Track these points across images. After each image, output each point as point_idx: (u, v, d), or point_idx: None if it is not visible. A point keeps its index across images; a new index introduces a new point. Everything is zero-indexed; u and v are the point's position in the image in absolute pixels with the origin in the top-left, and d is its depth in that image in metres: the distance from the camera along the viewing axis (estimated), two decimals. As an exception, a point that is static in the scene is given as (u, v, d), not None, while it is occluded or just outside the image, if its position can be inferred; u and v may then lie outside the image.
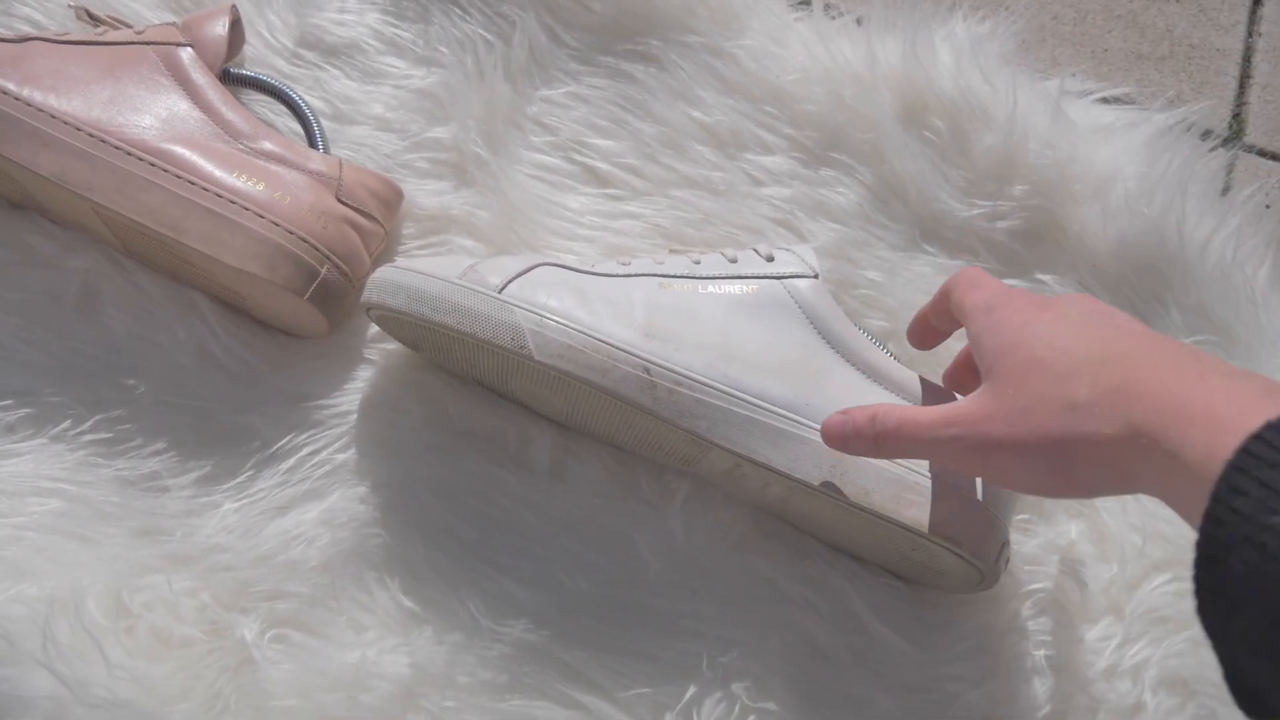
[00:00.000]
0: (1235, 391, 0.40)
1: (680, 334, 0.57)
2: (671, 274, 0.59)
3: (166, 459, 0.64)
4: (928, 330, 0.59)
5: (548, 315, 0.56)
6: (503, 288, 0.57)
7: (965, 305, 0.53)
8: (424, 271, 0.58)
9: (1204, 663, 0.62)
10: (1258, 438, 0.36)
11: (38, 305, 0.65)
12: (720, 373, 0.57)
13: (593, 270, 0.59)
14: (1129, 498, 0.65)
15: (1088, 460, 0.43)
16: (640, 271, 0.59)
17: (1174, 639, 0.62)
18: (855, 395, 0.57)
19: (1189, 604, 0.62)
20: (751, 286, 0.57)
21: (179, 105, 0.63)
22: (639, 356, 0.56)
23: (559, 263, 0.59)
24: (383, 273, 0.58)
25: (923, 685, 0.62)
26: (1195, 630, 0.63)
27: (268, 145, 0.63)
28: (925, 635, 0.63)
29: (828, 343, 0.57)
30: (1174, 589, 0.63)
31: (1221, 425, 0.38)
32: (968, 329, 0.52)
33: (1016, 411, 0.46)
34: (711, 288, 0.58)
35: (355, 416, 0.65)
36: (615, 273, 0.59)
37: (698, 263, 0.59)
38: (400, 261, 0.60)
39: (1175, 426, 0.40)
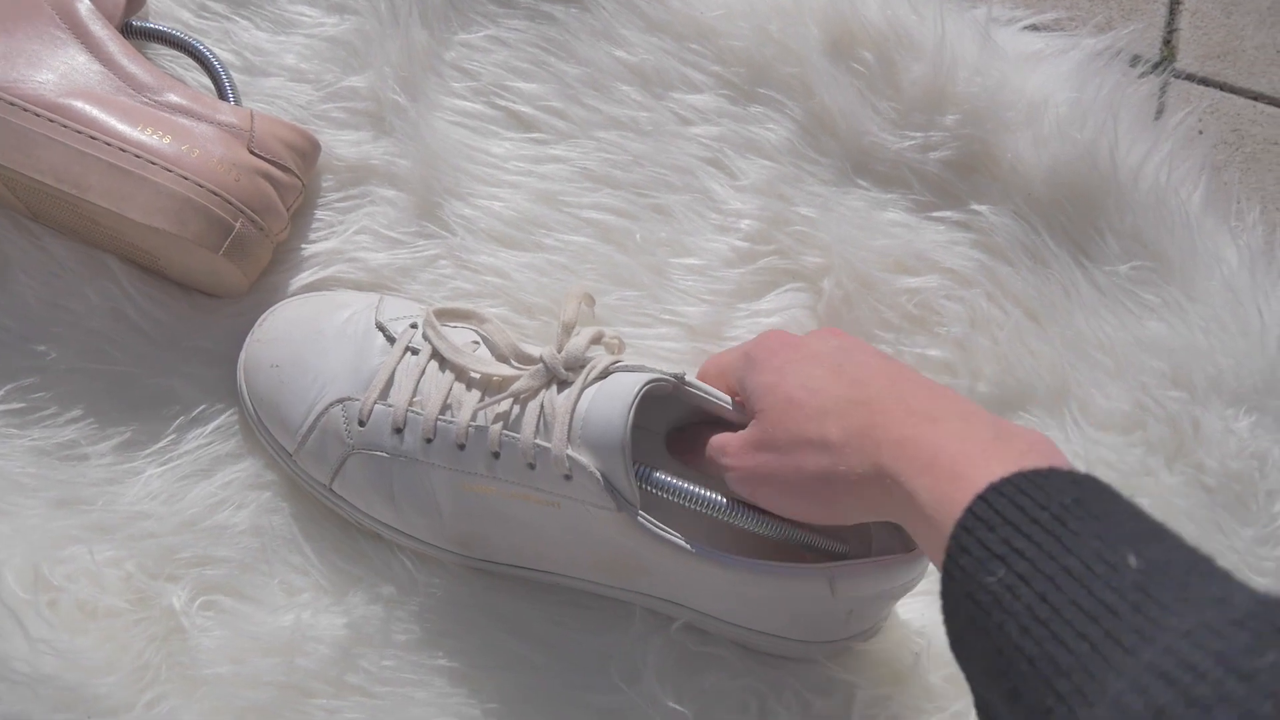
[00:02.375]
0: (966, 438, 0.44)
1: (487, 538, 0.58)
2: (471, 472, 0.55)
3: (84, 426, 0.62)
4: None
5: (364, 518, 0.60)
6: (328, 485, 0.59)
7: (725, 364, 0.57)
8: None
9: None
10: (981, 498, 0.40)
11: (-59, 274, 0.63)
12: (536, 560, 0.59)
13: (399, 451, 0.57)
14: (1071, 426, 0.64)
15: (845, 494, 0.48)
16: (442, 463, 0.56)
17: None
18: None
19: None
20: (554, 501, 0.55)
21: (77, 59, 0.61)
22: (455, 554, 0.60)
23: (371, 447, 0.57)
24: None
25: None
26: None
27: (173, 98, 0.61)
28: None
29: (638, 551, 0.55)
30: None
31: (950, 476, 0.42)
32: (736, 377, 0.55)
33: (780, 449, 0.50)
34: (515, 493, 0.55)
35: (279, 375, 0.63)
36: (418, 457, 0.56)
37: (496, 456, 0.55)
38: None
39: (911, 472, 0.44)
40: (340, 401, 0.58)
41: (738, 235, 0.66)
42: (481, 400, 0.55)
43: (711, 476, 0.55)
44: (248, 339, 0.61)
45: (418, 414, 0.56)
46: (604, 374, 0.53)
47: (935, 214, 0.67)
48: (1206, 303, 0.66)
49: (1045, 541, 0.38)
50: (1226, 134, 0.77)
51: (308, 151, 0.63)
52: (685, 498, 0.54)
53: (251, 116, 0.61)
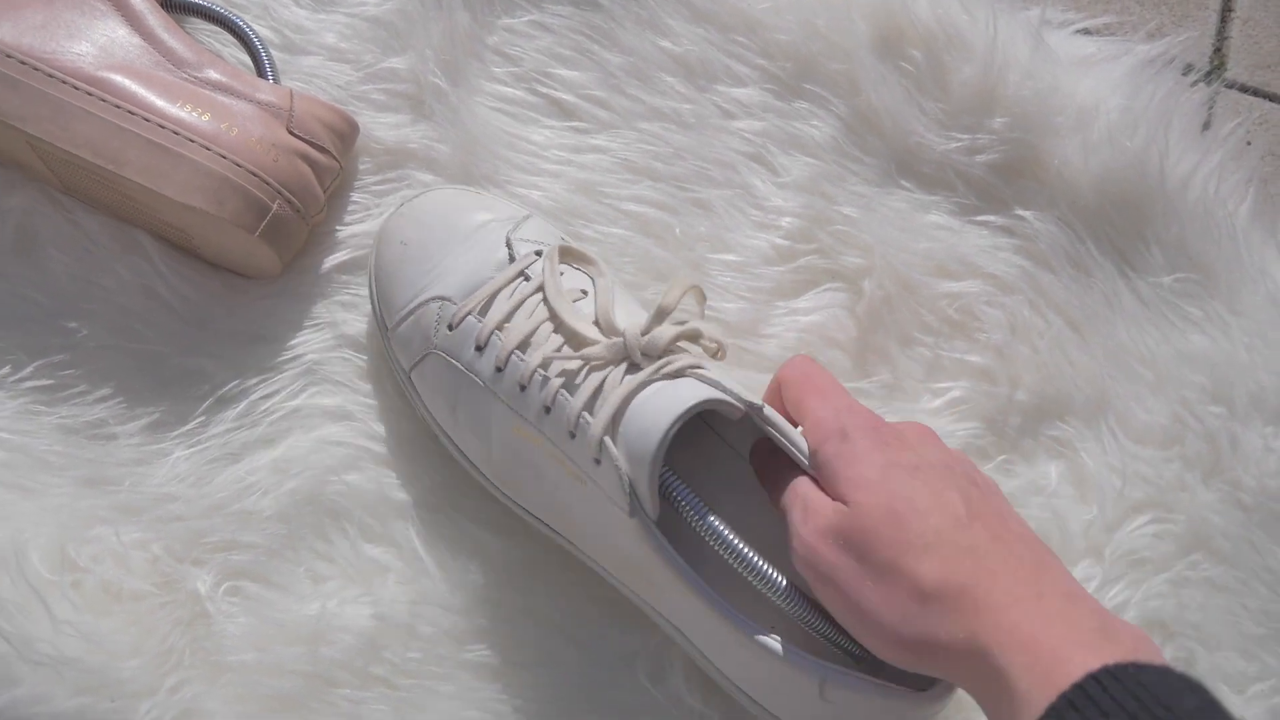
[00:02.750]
0: (1069, 623, 0.42)
1: (523, 484, 0.57)
2: (523, 415, 0.54)
3: (113, 405, 0.61)
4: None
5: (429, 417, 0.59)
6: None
7: (808, 415, 0.52)
8: None
9: (1183, 604, 0.61)
10: (1094, 677, 0.38)
11: (-29, 246, 0.62)
12: (565, 529, 0.57)
13: (472, 368, 0.56)
14: (1108, 438, 0.64)
15: (925, 651, 0.45)
16: (503, 396, 0.55)
17: (1153, 581, 0.61)
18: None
19: (1168, 546, 0.62)
20: (582, 479, 0.53)
21: (117, 31, 0.60)
22: (495, 487, 0.58)
23: (450, 353, 0.56)
24: None
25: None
26: (1174, 572, 0.62)
27: (213, 74, 0.60)
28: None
29: (644, 562, 0.53)
30: (1153, 531, 0.62)
31: (1047, 663, 0.40)
32: (812, 445, 0.51)
33: (868, 561, 0.46)
34: (553, 454, 0.54)
35: (309, 359, 0.62)
36: (485, 382, 0.55)
37: (546, 411, 0.53)
38: None
39: (1007, 649, 0.41)
40: (440, 299, 0.57)
41: (778, 233, 0.65)
42: (558, 350, 0.53)
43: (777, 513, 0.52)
44: (395, 209, 0.61)
45: (499, 340, 0.55)
46: (676, 374, 0.51)
47: (979, 218, 0.66)
48: (1250, 317, 0.65)
49: None
50: (1275, 145, 0.76)
51: (346, 133, 0.62)
52: (722, 546, 0.51)
53: (291, 96, 0.60)
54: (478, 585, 0.59)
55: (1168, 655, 0.61)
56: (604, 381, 0.52)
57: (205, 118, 0.58)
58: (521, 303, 0.55)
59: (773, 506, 0.52)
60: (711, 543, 0.51)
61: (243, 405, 0.61)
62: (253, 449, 0.61)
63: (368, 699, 0.58)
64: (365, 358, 0.63)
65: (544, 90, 0.67)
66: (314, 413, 0.62)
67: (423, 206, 0.60)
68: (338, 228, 0.64)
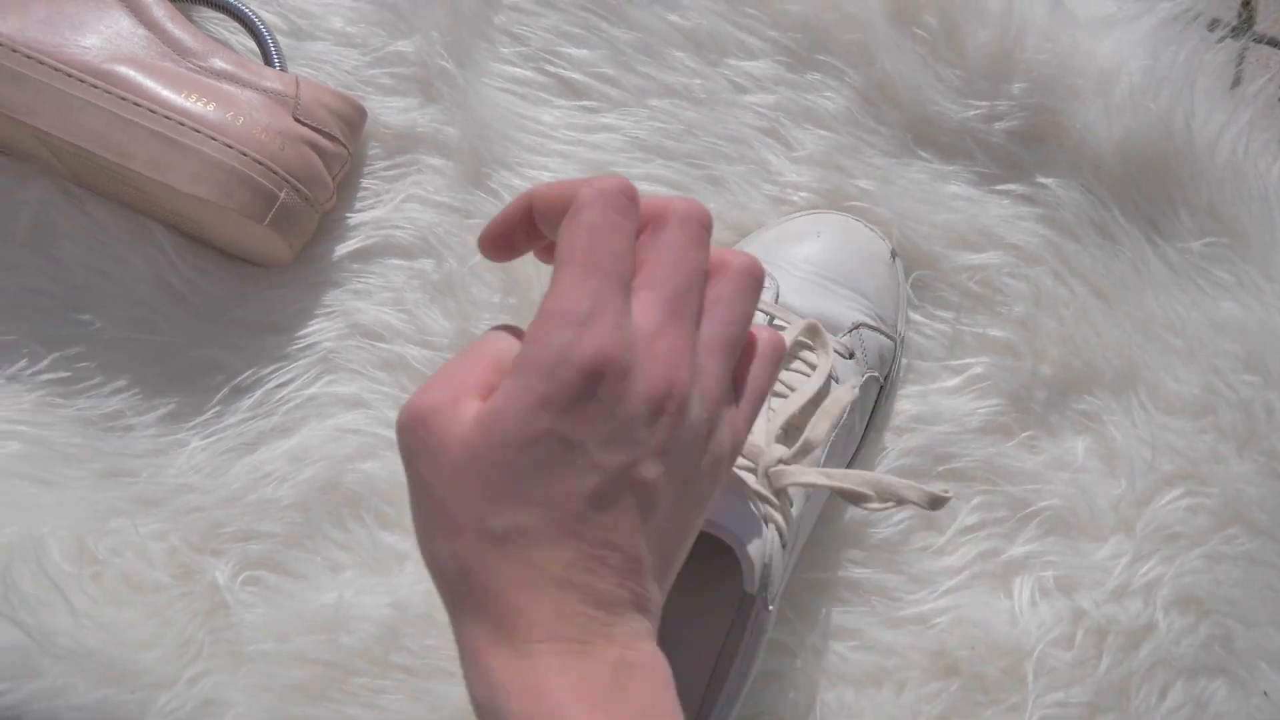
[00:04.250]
0: (581, 672, 0.35)
1: None
2: None
3: (129, 397, 0.61)
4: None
5: None
6: None
7: (555, 290, 0.37)
8: None
9: (1218, 580, 0.60)
10: None
11: (-14, 241, 0.62)
12: None
13: None
14: (1138, 410, 0.62)
15: None
16: None
17: (1186, 556, 0.60)
18: None
19: (1203, 520, 0.60)
20: None
21: (121, 22, 0.59)
22: None
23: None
24: None
25: (921, 617, 0.60)
26: (1209, 547, 0.60)
27: (219, 63, 0.60)
28: (926, 563, 0.61)
29: None
30: (1186, 505, 0.61)
31: None
32: (530, 336, 0.37)
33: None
34: None
35: (323, 347, 0.62)
36: None
37: None
38: None
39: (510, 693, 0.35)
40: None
41: (794, 208, 0.64)
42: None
43: None
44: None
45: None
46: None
47: (1000, 187, 0.64)
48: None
49: None
50: (1309, 104, 0.74)
51: (354, 120, 0.62)
52: None
53: (297, 83, 0.60)
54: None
55: (1202, 634, 0.59)
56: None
57: (211, 108, 0.58)
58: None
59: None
60: None
61: (258, 394, 0.61)
62: (269, 438, 0.61)
63: (387, 687, 0.58)
64: (380, 345, 0.62)
65: (552, 69, 0.66)
66: (329, 401, 0.62)
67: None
68: (348, 214, 0.63)
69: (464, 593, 0.36)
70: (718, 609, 0.56)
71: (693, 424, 0.38)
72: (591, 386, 0.36)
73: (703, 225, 0.39)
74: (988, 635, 0.59)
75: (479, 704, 0.36)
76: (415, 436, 0.37)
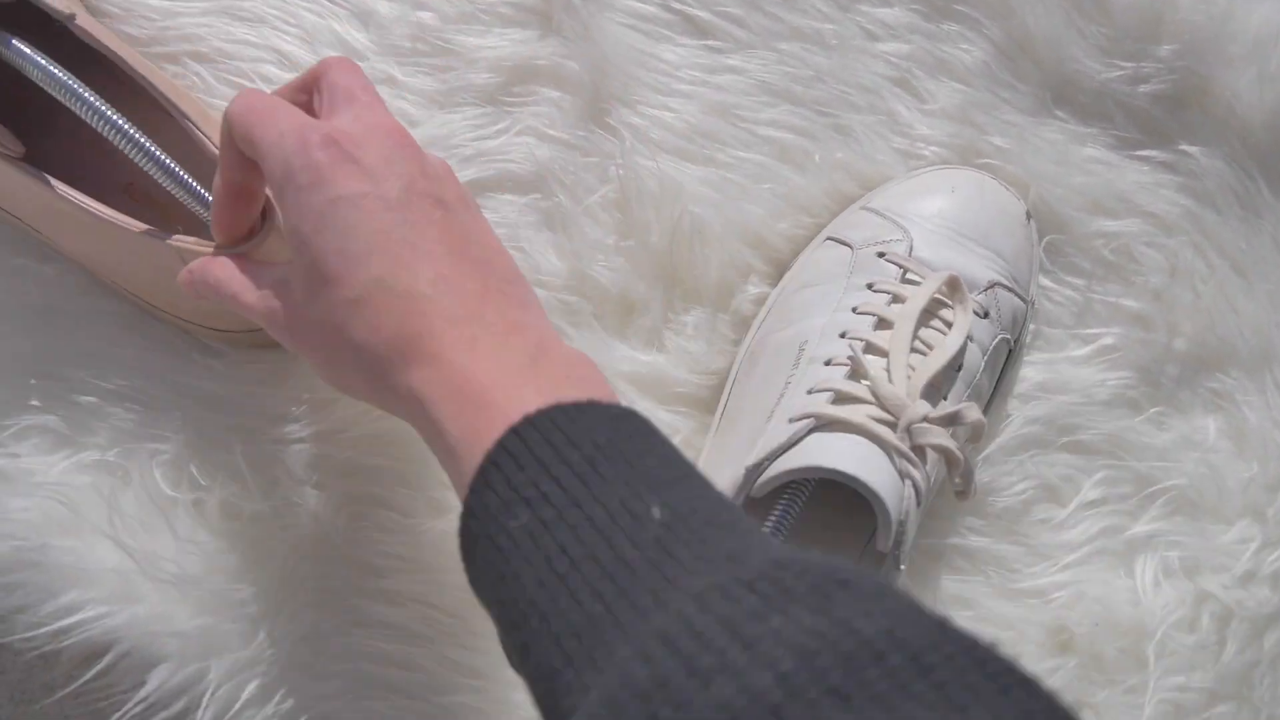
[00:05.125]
0: (502, 359, 0.39)
1: None
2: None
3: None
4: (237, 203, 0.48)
5: None
6: None
7: (258, 151, 0.44)
8: None
9: (1352, 569, 0.58)
10: (513, 431, 0.36)
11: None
12: None
13: None
14: (1273, 391, 0.60)
15: (388, 405, 0.43)
16: None
17: (1318, 543, 0.58)
18: None
19: (1336, 507, 0.58)
20: None
21: None
22: None
23: None
24: None
25: (1039, 590, 0.58)
26: (1342, 534, 0.58)
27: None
28: (1045, 536, 0.59)
29: None
30: (1320, 490, 0.59)
31: (478, 405, 0.38)
32: (272, 188, 0.44)
33: (319, 333, 0.43)
34: None
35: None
36: None
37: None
38: None
39: (440, 399, 0.39)
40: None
41: (923, 162, 0.62)
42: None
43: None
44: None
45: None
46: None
47: (1140, 153, 0.62)
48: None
49: (573, 486, 0.35)
50: None
51: None
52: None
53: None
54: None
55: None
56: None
57: None
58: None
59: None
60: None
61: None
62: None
63: (487, 630, 0.56)
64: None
65: (678, 6, 0.63)
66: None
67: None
68: (464, 144, 0.61)
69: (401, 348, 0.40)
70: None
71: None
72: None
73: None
74: (1108, 613, 0.57)
75: (431, 439, 0.40)
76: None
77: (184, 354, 0.58)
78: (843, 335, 0.53)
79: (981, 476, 0.59)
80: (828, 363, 0.52)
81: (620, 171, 0.60)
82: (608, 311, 0.60)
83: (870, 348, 0.52)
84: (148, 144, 0.48)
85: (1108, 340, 0.60)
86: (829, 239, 0.59)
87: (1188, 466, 0.59)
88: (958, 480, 0.50)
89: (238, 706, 0.54)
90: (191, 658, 0.54)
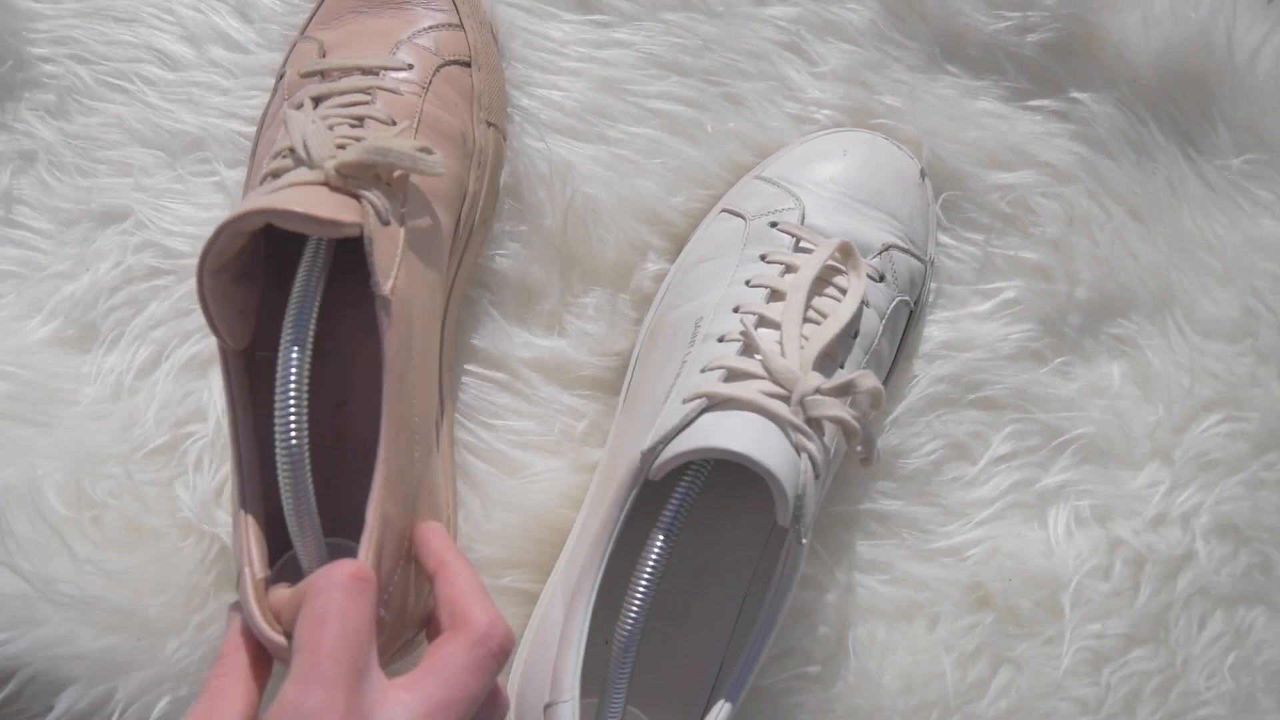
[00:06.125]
0: None
1: None
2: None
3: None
4: None
5: None
6: None
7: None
8: None
9: (1259, 508, 0.58)
10: None
11: None
12: None
13: None
14: (1175, 334, 0.60)
15: None
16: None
17: (1226, 483, 0.59)
18: None
19: (1242, 446, 0.58)
20: None
21: None
22: None
23: None
24: None
25: (954, 549, 0.59)
26: (1249, 473, 0.59)
27: None
28: (957, 494, 0.59)
29: None
30: (1225, 430, 0.59)
31: None
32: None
33: None
34: None
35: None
36: None
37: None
38: None
39: None
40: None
41: (817, 126, 0.61)
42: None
43: None
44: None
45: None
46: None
47: (1032, 103, 0.61)
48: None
49: None
50: (1348, 14, 0.71)
51: None
52: None
53: None
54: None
55: (1242, 562, 0.58)
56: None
57: None
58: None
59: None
60: None
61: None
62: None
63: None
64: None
65: (562, -19, 0.62)
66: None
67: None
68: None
69: None
70: (745, 542, 0.54)
71: None
72: None
73: (493, 654, 0.41)
74: (1023, 567, 0.58)
75: None
76: None
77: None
78: (736, 310, 0.52)
79: (890, 439, 0.59)
80: (721, 339, 0.51)
81: (510, 155, 0.59)
82: (506, 299, 0.59)
83: (763, 321, 0.51)
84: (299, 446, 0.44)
85: (1009, 294, 0.60)
86: (724, 211, 0.59)
87: (1095, 414, 0.59)
88: (859, 449, 0.50)
89: (149, 724, 0.53)
90: (99, 678, 0.53)
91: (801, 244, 0.54)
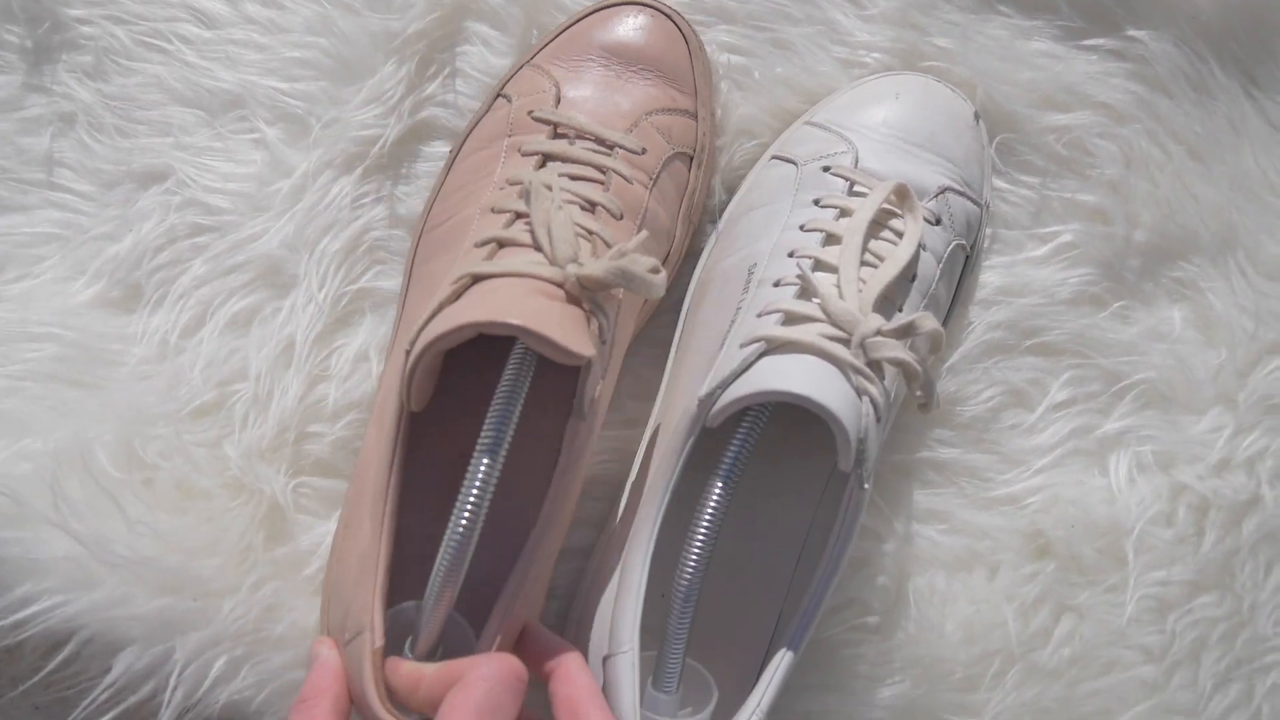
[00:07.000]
0: None
1: None
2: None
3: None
4: None
5: None
6: None
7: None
8: None
9: (1327, 449, 0.57)
10: None
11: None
12: None
13: None
14: (1237, 276, 0.58)
15: None
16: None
17: (1293, 426, 0.57)
18: None
19: (1309, 387, 0.57)
20: None
21: None
22: None
23: None
24: None
25: (1013, 497, 0.58)
26: (1315, 415, 0.57)
27: None
28: (1016, 442, 0.58)
29: None
30: (1291, 372, 0.58)
31: None
32: None
33: None
34: None
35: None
36: None
37: None
38: None
39: None
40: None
41: (866, 71, 0.60)
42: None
43: None
44: None
45: None
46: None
47: (1087, 42, 0.60)
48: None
49: None
50: None
51: None
52: None
53: None
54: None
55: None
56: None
57: None
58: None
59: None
60: None
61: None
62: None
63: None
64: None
65: (602, -69, 0.61)
66: (383, 298, 0.58)
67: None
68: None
69: None
70: (803, 490, 0.54)
71: None
72: None
73: None
74: (1084, 514, 0.57)
75: None
76: None
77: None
78: (791, 254, 0.51)
79: (947, 386, 0.58)
80: (776, 284, 0.50)
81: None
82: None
83: (820, 265, 0.50)
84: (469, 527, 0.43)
85: (1066, 237, 0.59)
86: (774, 158, 0.57)
87: (1155, 359, 0.58)
88: (919, 393, 0.49)
89: (207, 684, 0.53)
90: (155, 639, 0.53)
91: (856, 188, 0.53)
